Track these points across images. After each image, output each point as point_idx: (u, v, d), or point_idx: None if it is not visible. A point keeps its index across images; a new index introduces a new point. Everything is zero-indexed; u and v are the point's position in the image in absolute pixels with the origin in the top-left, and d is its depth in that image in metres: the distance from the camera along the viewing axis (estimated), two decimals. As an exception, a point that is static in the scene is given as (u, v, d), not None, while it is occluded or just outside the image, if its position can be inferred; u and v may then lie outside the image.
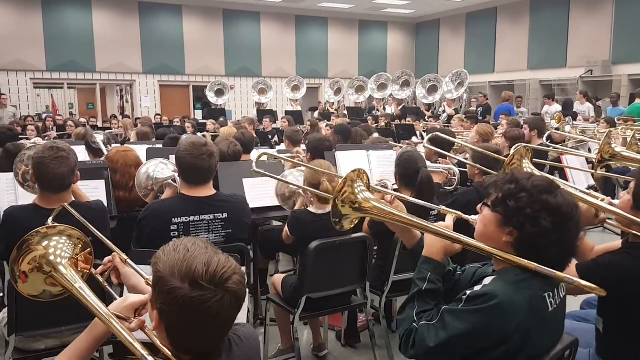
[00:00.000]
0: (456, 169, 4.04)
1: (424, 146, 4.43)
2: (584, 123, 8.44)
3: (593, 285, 1.40)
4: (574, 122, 8.03)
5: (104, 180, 3.27)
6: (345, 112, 12.08)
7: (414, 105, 13.68)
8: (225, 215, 2.69)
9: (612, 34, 13.27)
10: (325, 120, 10.10)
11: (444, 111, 11.86)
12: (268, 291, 3.31)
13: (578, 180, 4.73)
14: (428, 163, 3.71)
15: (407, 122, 9.02)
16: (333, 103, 14.15)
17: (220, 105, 13.51)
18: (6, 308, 2.26)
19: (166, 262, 1.18)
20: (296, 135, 5.63)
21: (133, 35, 14.80)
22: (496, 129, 6.35)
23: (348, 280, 2.94)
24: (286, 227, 2.97)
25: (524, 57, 15.31)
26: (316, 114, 12.76)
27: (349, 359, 3.36)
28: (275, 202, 3.42)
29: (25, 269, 1.50)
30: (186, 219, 2.60)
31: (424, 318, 1.53)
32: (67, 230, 1.60)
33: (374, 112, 11.97)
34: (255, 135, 6.07)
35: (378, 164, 4.30)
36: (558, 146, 5.69)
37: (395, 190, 3.52)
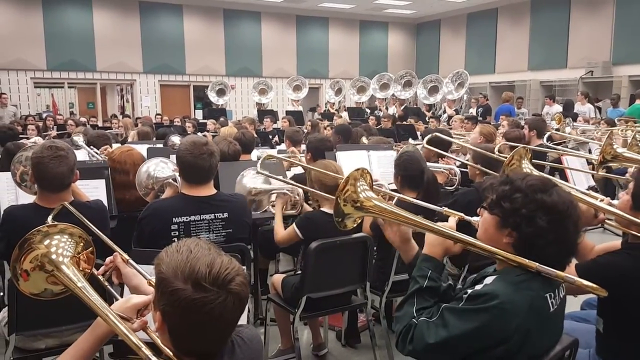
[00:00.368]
0: (457, 169, 4.05)
1: (423, 147, 4.42)
2: (585, 124, 8.44)
3: (594, 285, 1.40)
4: (574, 124, 8.03)
5: (104, 180, 3.26)
6: (346, 112, 12.07)
7: (415, 106, 13.68)
8: (225, 214, 2.69)
9: (612, 35, 13.27)
10: (326, 120, 10.10)
11: (444, 111, 11.86)
12: (268, 291, 3.31)
13: (578, 181, 4.73)
14: (428, 163, 3.71)
15: (408, 123, 9.02)
16: (334, 103, 14.15)
17: (222, 105, 13.52)
18: (6, 307, 2.26)
19: (169, 263, 1.18)
20: (297, 135, 5.63)
21: (133, 34, 14.80)
22: (497, 129, 6.35)
23: (348, 280, 2.94)
24: (294, 228, 2.92)
25: (524, 57, 15.32)
26: (316, 115, 12.77)
27: (349, 359, 3.36)
28: (275, 202, 3.40)
29: (27, 268, 1.50)
30: (187, 219, 2.60)
31: (424, 315, 1.53)
32: (68, 229, 1.60)
33: (376, 112, 11.97)
34: (255, 135, 6.08)
35: (379, 164, 4.30)
36: (558, 147, 5.69)
37: (394, 191, 3.54)
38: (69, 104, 15.35)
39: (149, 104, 15.30)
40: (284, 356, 3.16)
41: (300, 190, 3.13)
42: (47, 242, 1.53)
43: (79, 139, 4.80)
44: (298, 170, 4.35)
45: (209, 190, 2.69)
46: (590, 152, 6.38)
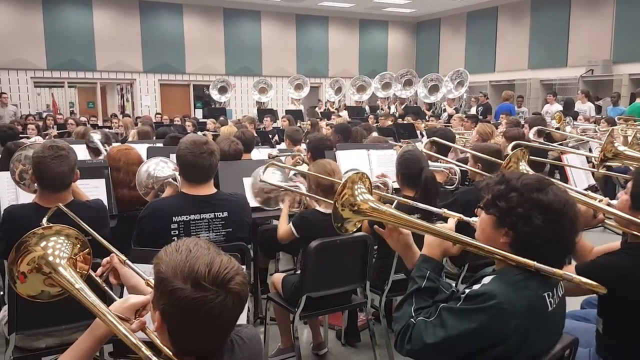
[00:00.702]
0: (457, 168, 4.05)
1: (424, 150, 4.42)
2: (585, 123, 8.44)
3: (593, 282, 1.41)
4: (575, 122, 8.03)
5: (104, 179, 3.27)
6: (345, 111, 12.07)
7: (415, 105, 13.68)
8: (225, 214, 2.69)
9: (612, 34, 13.26)
10: (325, 119, 10.09)
11: (444, 110, 11.86)
12: (268, 290, 3.31)
13: (578, 180, 4.74)
14: (429, 162, 3.71)
15: (407, 122, 9.02)
16: (333, 102, 14.15)
17: (224, 102, 13.52)
18: (6, 306, 2.26)
19: (168, 263, 1.18)
20: (296, 134, 5.63)
21: (133, 34, 14.80)
22: (497, 128, 6.36)
23: (348, 279, 2.94)
24: (291, 226, 2.96)
25: (524, 56, 15.30)
26: (316, 109, 12.76)
27: (349, 358, 3.36)
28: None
29: (24, 270, 1.50)
30: (186, 218, 2.60)
31: (422, 314, 1.53)
32: (64, 230, 1.59)
33: (378, 110, 11.97)
34: (255, 134, 6.08)
35: (378, 163, 4.30)
36: (558, 145, 5.69)
37: (396, 189, 3.55)
38: (69, 104, 15.35)
39: (149, 103, 15.30)
40: (284, 355, 3.17)
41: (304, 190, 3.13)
42: (43, 244, 1.52)
43: (96, 136, 4.80)
44: (304, 167, 4.35)
45: (209, 189, 2.70)
46: (590, 151, 6.37)
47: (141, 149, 3.92)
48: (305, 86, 13.72)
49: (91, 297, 1.40)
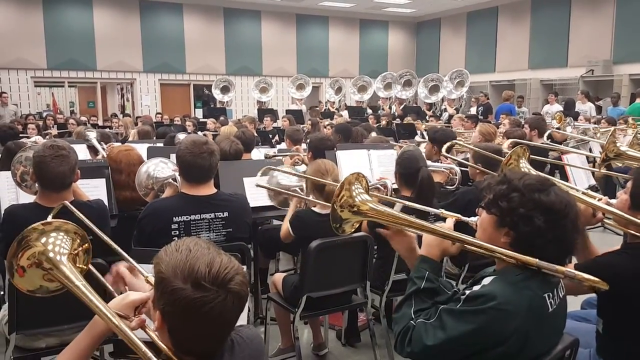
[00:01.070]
0: (457, 168, 4.05)
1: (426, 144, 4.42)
2: (585, 124, 8.44)
3: (595, 278, 1.40)
4: (575, 123, 8.03)
5: (104, 179, 3.27)
6: (346, 111, 12.07)
7: (415, 105, 13.68)
8: (226, 214, 2.69)
9: (613, 34, 13.25)
10: (328, 119, 10.09)
11: (444, 110, 11.86)
12: (268, 290, 3.32)
13: (579, 180, 4.74)
14: (429, 162, 3.71)
15: (407, 122, 9.02)
16: (334, 102, 14.15)
17: (227, 102, 13.53)
18: (6, 305, 2.26)
19: (168, 262, 1.18)
20: (297, 134, 5.63)
21: (134, 33, 14.80)
22: (497, 128, 6.35)
23: (348, 280, 2.94)
24: (288, 225, 2.97)
25: (524, 56, 15.30)
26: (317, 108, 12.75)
27: (349, 358, 3.36)
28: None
29: (23, 264, 1.49)
30: (187, 218, 2.60)
31: (422, 316, 1.53)
32: (63, 226, 1.59)
33: (379, 110, 11.97)
34: (255, 134, 6.08)
35: (379, 163, 4.30)
36: (559, 145, 5.69)
37: (395, 189, 3.55)
38: (69, 103, 15.35)
39: (149, 102, 15.30)
40: (284, 355, 3.17)
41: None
42: (43, 239, 1.52)
43: (92, 134, 4.81)
44: (303, 167, 4.35)
45: (209, 189, 2.69)
46: (590, 151, 6.38)
47: (141, 148, 3.92)
48: (307, 86, 13.72)
49: (91, 294, 1.40)
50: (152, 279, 1.27)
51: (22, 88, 13.80)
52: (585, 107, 10.65)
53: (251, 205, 3.03)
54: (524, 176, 1.55)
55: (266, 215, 3.58)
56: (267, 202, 3.49)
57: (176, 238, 2.51)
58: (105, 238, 1.78)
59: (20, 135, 6.48)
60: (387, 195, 3.50)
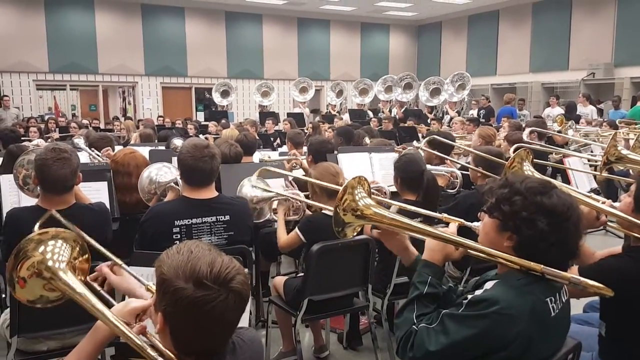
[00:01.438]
0: (458, 172, 4.04)
1: (422, 149, 4.40)
2: (587, 127, 8.43)
3: (600, 285, 1.39)
4: (577, 126, 8.02)
5: (106, 182, 3.26)
6: (347, 114, 12.06)
7: (415, 108, 13.67)
8: (227, 217, 2.69)
9: (614, 37, 13.26)
10: (327, 123, 10.08)
11: (446, 113, 11.85)
12: (269, 293, 3.31)
13: (580, 183, 4.73)
14: (429, 166, 3.70)
15: (409, 125, 9.01)
16: (335, 105, 14.15)
17: (226, 105, 13.54)
18: (8, 309, 2.26)
19: (170, 264, 1.19)
20: (298, 137, 5.62)
21: (135, 37, 14.84)
22: (498, 131, 6.35)
23: (350, 283, 2.94)
24: (297, 232, 2.91)
25: (526, 59, 15.31)
26: (317, 118, 12.75)
27: (351, 362, 3.35)
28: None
29: (24, 275, 1.49)
30: (188, 222, 2.60)
31: (424, 321, 1.52)
32: (60, 234, 1.58)
33: (380, 114, 11.96)
34: (257, 137, 6.08)
35: (380, 167, 4.30)
36: (560, 149, 5.69)
37: (393, 193, 3.53)
38: (71, 106, 15.38)
39: (150, 106, 15.33)
40: (285, 359, 3.16)
41: (302, 196, 3.12)
42: (41, 249, 1.51)
43: (80, 141, 4.81)
44: (300, 172, 4.35)
45: (210, 192, 2.70)
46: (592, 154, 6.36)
47: (143, 151, 3.92)
48: (310, 89, 13.74)
49: (92, 301, 1.40)
50: (152, 287, 1.27)
51: (24, 91, 13.84)
52: (586, 110, 10.65)
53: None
54: (526, 179, 1.54)
55: (267, 218, 3.57)
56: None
57: (178, 241, 2.51)
58: (95, 244, 1.75)
59: (22, 138, 6.50)
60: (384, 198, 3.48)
